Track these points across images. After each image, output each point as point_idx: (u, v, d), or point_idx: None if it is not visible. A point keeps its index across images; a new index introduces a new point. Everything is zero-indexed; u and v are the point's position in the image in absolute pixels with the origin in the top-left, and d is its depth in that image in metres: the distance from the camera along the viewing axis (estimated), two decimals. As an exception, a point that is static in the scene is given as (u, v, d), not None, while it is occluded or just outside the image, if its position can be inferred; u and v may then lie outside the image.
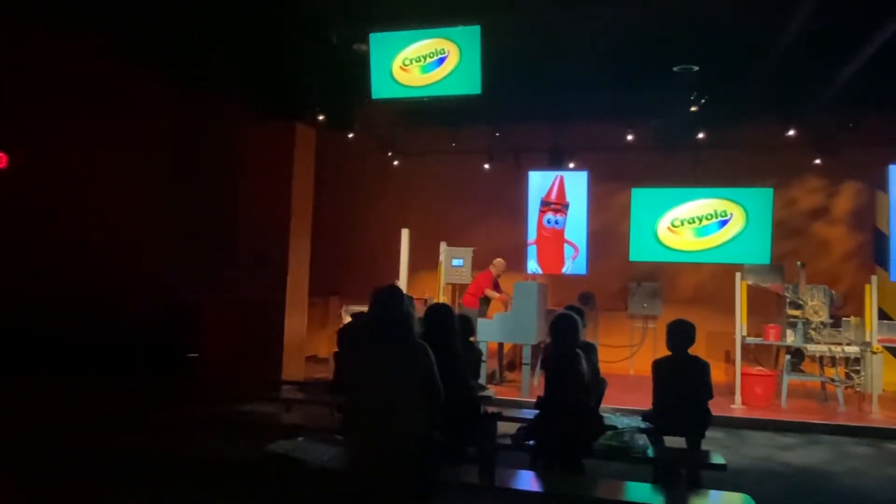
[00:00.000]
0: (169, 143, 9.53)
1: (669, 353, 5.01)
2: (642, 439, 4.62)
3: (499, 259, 9.96)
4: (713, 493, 3.94)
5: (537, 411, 4.47)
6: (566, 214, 9.64)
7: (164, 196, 9.51)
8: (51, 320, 8.19)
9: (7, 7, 7.63)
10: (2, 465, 5.11)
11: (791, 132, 9.74)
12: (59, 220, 8.52)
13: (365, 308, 7.91)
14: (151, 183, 9.47)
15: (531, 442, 4.29)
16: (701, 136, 9.86)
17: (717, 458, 4.35)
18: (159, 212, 9.45)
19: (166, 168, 9.59)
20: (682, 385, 4.83)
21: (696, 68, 8.32)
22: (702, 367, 4.91)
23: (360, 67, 8.33)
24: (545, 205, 9.70)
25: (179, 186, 9.53)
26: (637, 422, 5.00)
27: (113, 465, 5.09)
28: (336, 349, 6.90)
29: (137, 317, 8.86)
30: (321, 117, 9.33)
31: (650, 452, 4.47)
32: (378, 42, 8.10)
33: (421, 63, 7.94)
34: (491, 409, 4.77)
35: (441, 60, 7.83)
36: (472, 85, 7.72)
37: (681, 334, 4.94)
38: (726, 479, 4.45)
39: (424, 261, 10.58)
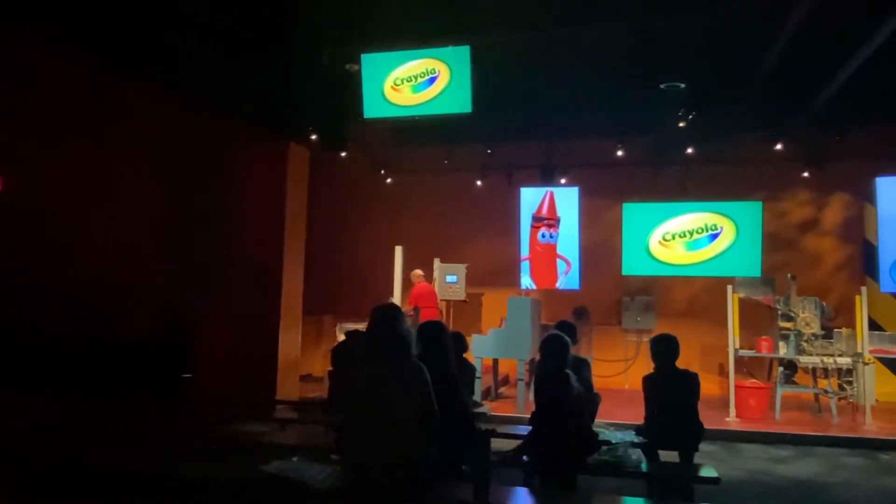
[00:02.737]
0: (163, 163, 9.55)
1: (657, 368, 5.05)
2: (636, 454, 4.65)
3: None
4: (706, 507, 3.97)
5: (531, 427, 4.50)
6: (558, 229, 9.73)
7: (159, 215, 9.52)
8: (44, 338, 8.16)
9: (2, 25, 7.67)
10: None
11: (779, 146, 9.87)
12: (52, 239, 8.51)
13: (359, 326, 7.95)
14: (146, 201, 9.48)
15: (525, 458, 4.31)
16: (690, 150, 9.97)
17: (709, 472, 4.37)
18: (153, 230, 9.45)
19: (161, 187, 9.61)
20: (672, 399, 4.86)
21: (683, 85, 8.43)
22: (691, 380, 4.94)
23: (352, 87, 8.41)
24: (537, 220, 9.79)
25: (174, 205, 9.54)
26: (631, 436, 5.02)
27: (104, 483, 5.05)
28: (331, 368, 6.91)
29: (131, 335, 8.83)
30: (314, 137, 9.40)
31: (644, 467, 4.49)
32: (369, 62, 8.20)
33: (412, 83, 8.04)
34: (485, 426, 4.78)
35: (432, 80, 7.93)
36: (462, 104, 7.82)
37: (665, 349, 4.98)
38: (720, 492, 4.47)
39: (419, 278, 10.61)
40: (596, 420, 5.62)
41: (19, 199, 8.35)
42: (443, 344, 4.20)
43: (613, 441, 4.78)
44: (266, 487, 3.99)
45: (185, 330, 8.99)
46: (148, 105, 9.14)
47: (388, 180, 12.05)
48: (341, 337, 9.22)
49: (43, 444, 6.00)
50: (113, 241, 9.01)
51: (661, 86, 8.46)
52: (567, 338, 4.45)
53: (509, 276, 10.53)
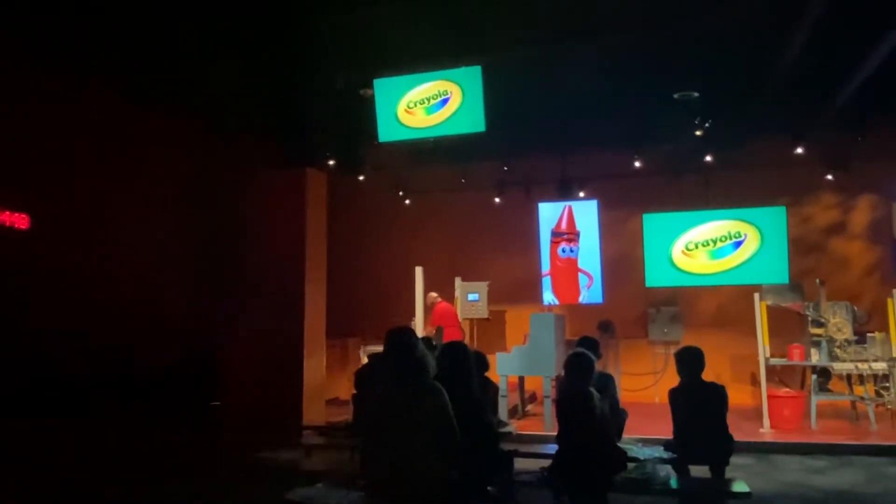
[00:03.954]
0: (184, 191, 9.75)
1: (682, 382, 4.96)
2: (664, 470, 4.57)
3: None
4: (740, 522, 3.88)
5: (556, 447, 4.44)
6: (578, 243, 9.67)
7: (180, 243, 9.69)
8: (72, 368, 8.31)
9: (22, 59, 7.90)
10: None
11: (800, 149, 9.71)
12: (78, 270, 8.68)
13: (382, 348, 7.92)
14: (167, 230, 9.67)
15: (551, 477, 4.25)
16: (709, 158, 9.87)
17: (740, 487, 4.27)
18: (176, 259, 9.62)
19: (182, 215, 9.79)
20: (699, 412, 4.77)
21: (696, 94, 8.37)
22: (718, 392, 4.85)
23: (366, 112, 8.52)
24: (557, 235, 9.74)
25: (195, 233, 9.71)
26: (659, 452, 4.94)
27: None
28: (355, 391, 6.92)
29: (157, 364, 8.96)
30: (331, 162, 9.51)
31: (673, 483, 4.41)
32: (382, 87, 8.30)
33: (425, 105, 8.11)
34: (508, 447, 4.73)
35: (444, 101, 7.99)
36: (475, 123, 7.86)
37: (690, 361, 4.90)
38: (754, 507, 4.36)
39: (441, 297, 10.59)
40: (624, 436, 5.54)
41: (46, 232, 8.55)
42: (464, 364, 4.17)
43: (641, 458, 4.71)
44: (291, 515, 3.99)
45: (211, 357, 9.10)
46: (168, 136, 9.35)
47: (406, 201, 12.11)
48: (365, 359, 9.24)
49: (72, 474, 6.10)
50: (137, 270, 9.18)
51: (675, 95, 8.41)
52: (591, 355, 4.39)
53: (531, 293, 10.47)
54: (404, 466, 3.35)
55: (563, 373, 9.05)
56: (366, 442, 3.64)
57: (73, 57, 7.94)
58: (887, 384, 8.20)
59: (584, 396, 4.07)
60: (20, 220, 8.67)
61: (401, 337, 3.63)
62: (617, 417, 5.20)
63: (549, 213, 9.87)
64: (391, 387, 3.53)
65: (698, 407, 4.76)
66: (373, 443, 3.56)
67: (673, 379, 10.22)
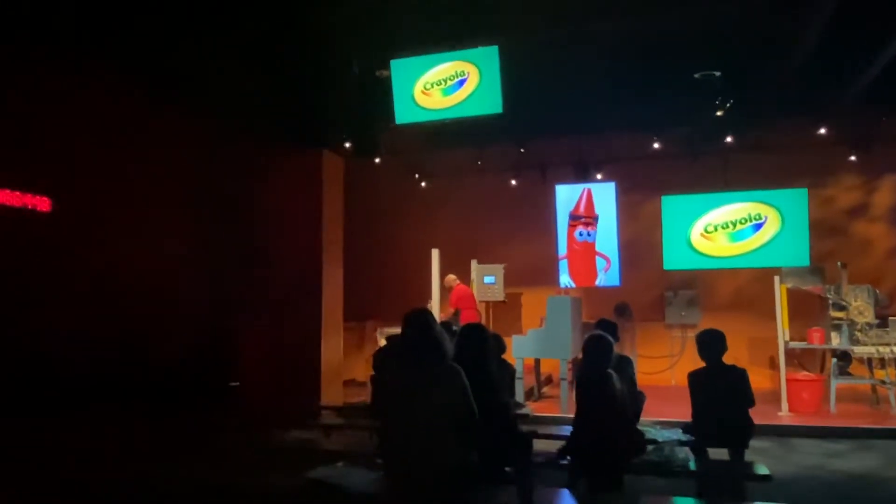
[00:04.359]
0: (200, 176, 9.79)
1: (703, 364, 4.93)
2: (683, 452, 4.57)
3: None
4: (759, 505, 3.87)
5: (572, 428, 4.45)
6: (596, 227, 9.60)
7: (198, 226, 9.75)
8: (90, 354, 8.43)
9: (33, 52, 7.94)
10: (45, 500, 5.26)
11: (822, 130, 9.54)
12: (94, 255, 8.77)
13: (400, 330, 7.96)
14: (184, 215, 9.73)
15: (567, 459, 4.27)
16: (729, 139, 9.73)
17: (761, 469, 4.26)
18: (193, 242, 9.69)
19: (199, 199, 9.84)
20: (719, 395, 4.74)
21: (718, 74, 8.23)
22: (739, 376, 4.81)
23: (383, 94, 8.48)
24: (574, 219, 9.66)
25: (212, 217, 9.77)
26: (678, 434, 4.93)
27: (156, 495, 5.20)
28: (373, 372, 6.96)
29: (175, 347, 9.07)
30: (348, 144, 9.50)
31: (692, 466, 4.40)
32: (399, 68, 8.25)
33: (442, 86, 8.05)
34: (530, 428, 4.75)
35: (461, 82, 7.93)
36: (493, 104, 7.79)
37: (712, 344, 4.86)
38: (774, 489, 4.36)
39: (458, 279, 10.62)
40: (642, 418, 5.52)
41: (64, 219, 8.64)
42: (482, 346, 4.18)
43: (659, 440, 4.70)
44: (312, 494, 4.04)
45: (230, 340, 9.19)
46: (185, 121, 9.38)
47: (423, 184, 12.09)
48: (382, 341, 9.29)
49: (89, 459, 6.21)
50: (155, 255, 9.26)
51: (696, 75, 8.28)
52: (610, 338, 4.38)
53: (548, 275, 10.43)
54: (422, 448, 3.37)
55: (580, 355, 9.06)
56: (384, 424, 3.66)
57: (89, 42, 7.95)
58: (909, 368, 8.11)
59: (604, 379, 4.07)
60: (42, 203, 8.77)
61: (418, 318, 3.64)
62: (635, 400, 5.18)
63: (566, 196, 9.80)
64: (409, 369, 3.54)
65: (718, 390, 4.73)
66: (391, 425, 3.58)
67: (689, 362, 10.18)
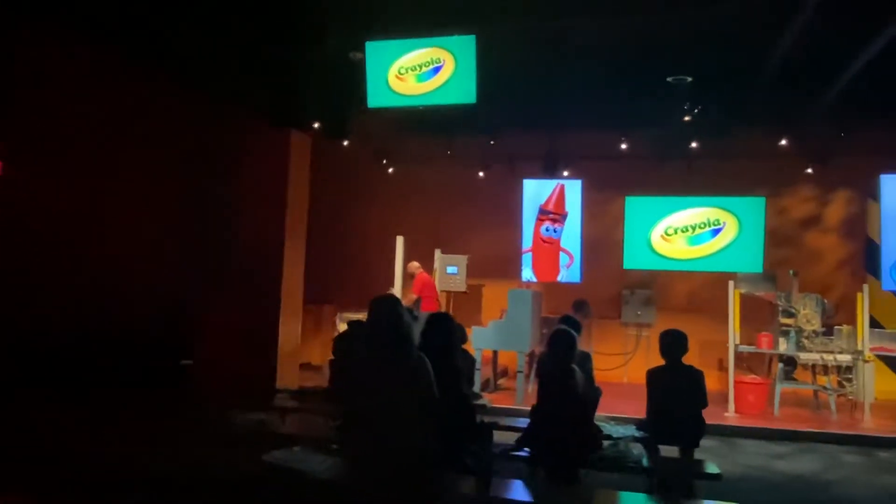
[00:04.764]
0: (163, 149, 9.50)
1: (663, 363, 5.04)
2: (637, 449, 4.65)
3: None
4: (707, 502, 3.96)
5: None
6: (563, 224, 9.69)
7: (158, 202, 9.48)
8: (42, 326, 8.14)
9: (14, 14, 7.60)
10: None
11: (783, 141, 9.83)
12: (51, 225, 8.45)
13: (360, 316, 7.91)
14: (145, 189, 9.44)
15: (525, 451, 4.31)
16: (694, 144, 9.93)
17: (711, 468, 4.37)
18: (154, 218, 9.42)
19: (160, 173, 9.55)
20: (676, 394, 4.86)
21: (690, 79, 8.38)
22: (696, 376, 4.94)
23: (355, 75, 8.36)
24: (543, 213, 9.74)
25: (173, 192, 9.50)
26: (632, 431, 5.02)
27: (105, 476, 5.05)
28: (332, 357, 6.90)
29: (130, 322, 8.81)
30: (316, 125, 9.34)
31: (645, 462, 4.49)
32: (374, 50, 8.13)
33: (416, 72, 7.98)
34: (487, 419, 4.77)
35: (437, 69, 7.86)
36: (467, 94, 7.76)
37: (674, 343, 4.98)
38: (720, 488, 4.47)
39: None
40: (597, 414, 5.62)
41: (21, 187, 8.30)
42: (449, 337, 4.18)
43: (615, 436, 4.79)
44: (268, 477, 3.98)
45: (186, 317, 8.97)
46: (150, 93, 9.08)
47: (390, 170, 12.00)
48: (342, 326, 9.21)
49: (43, 439, 6.01)
50: (114, 228, 8.97)
51: (669, 79, 8.41)
52: (575, 333, 4.44)
53: (510, 268, 10.51)
54: (385, 436, 3.35)
55: (541, 348, 9.14)
56: (347, 411, 3.62)
57: (50, 16, 7.63)
58: (850, 376, 8.45)
59: (567, 373, 4.11)
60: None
61: (387, 306, 3.60)
62: (592, 395, 5.26)
63: (533, 190, 9.86)
64: (375, 356, 3.51)
65: (675, 389, 4.85)
66: (354, 411, 3.54)
67: (643, 360, 10.44)
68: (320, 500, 3.70)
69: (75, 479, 5.04)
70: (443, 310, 9.88)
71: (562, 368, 4.17)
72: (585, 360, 5.29)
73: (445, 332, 4.11)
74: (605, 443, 4.51)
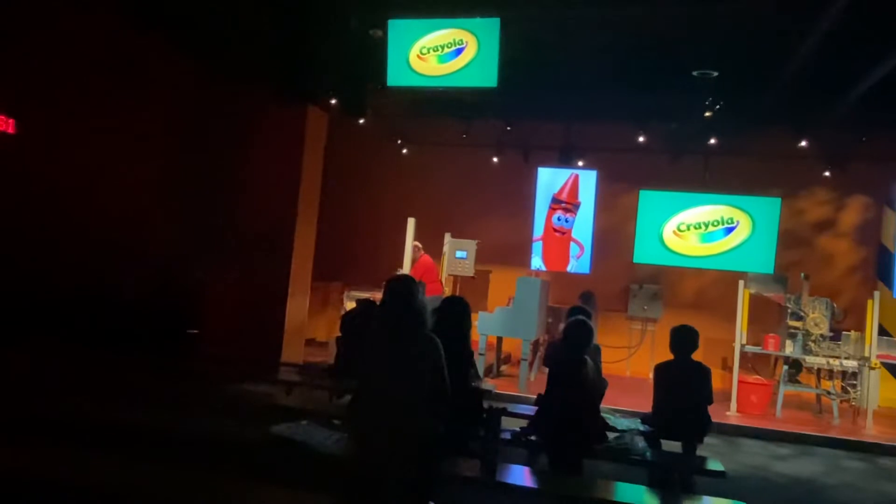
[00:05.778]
0: (178, 120, 9.47)
1: (672, 358, 5.03)
2: (641, 442, 4.66)
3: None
4: (706, 499, 3.96)
5: (536, 408, 4.50)
6: (576, 214, 9.64)
7: (172, 172, 9.47)
8: (50, 291, 8.17)
9: None
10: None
11: (803, 143, 9.73)
12: (62, 190, 8.46)
13: (368, 294, 7.92)
14: (159, 158, 9.42)
15: (532, 438, 4.32)
16: (712, 141, 9.85)
17: (715, 465, 4.38)
18: (166, 187, 9.41)
19: (175, 144, 9.53)
20: (683, 390, 4.85)
21: (716, 74, 8.27)
22: (704, 373, 4.93)
23: (375, 53, 8.29)
24: (556, 202, 9.69)
25: (188, 163, 9.48)
26: (637, 424, 5.04)
27: (112, 439, 5.09)
28: (339, 334, 6.92)
29: (139, 290, 8.84)
30: (334, 101, 9.29)
31: (649, 456, 4.50)
32: (396, 29, 8.06)
33: (438, 52, 7.90)
34: (495, 405, 4.78)
35: (459, 51, 7.79)
36: (488, 77, 7.69)
37: (685, 339, 4.97)
38: (720, 485, 4.48)
39: (428, 251, 10.59)
40: (602, 405, 5.63)
41: (32, 151, 8.30)
42: (462, 321, 4.18)
43: (620, 428, 4.80)
44: (275, 448, 4.01)
45: (195, 288, 8.99)
46: (166, 64, 9.04)
47: (404, 151, 11.95)
48: (349, 304, 9.23)
49: (49, 399, 6.04)
50: (126, 197, 8.97)
51: (694, 73, 8.32)
52: (591, 325, 4.43)
53: (519, 256, 10.48)
54: (394, 416, 3.35)
55: (545, 337, 9.10)
56: (358, 387, 3.63)
57: None
58: (854, 382, 8.43)
59: (580, 364, 4.11)
60: (6, 125, 8.41)
61: (402, 286, 3.59)
62: (599, 386, 5.26)
63: (547, 179, 9.81)
64: (388, 336, 3.50)
65: (683, 385, 4.85)
66: (364, 390, 3.55)
67: (647, 355, 10.42)
68: (327, 473, 3.72)
69: (73, 438, 5.06)
70: (444, 293, 9.84)
71: (575, 358, 4.16)
72: (596, 353, 5.29)
73: (458, 316, 4.10)
74: (612, 435, 4.52)
